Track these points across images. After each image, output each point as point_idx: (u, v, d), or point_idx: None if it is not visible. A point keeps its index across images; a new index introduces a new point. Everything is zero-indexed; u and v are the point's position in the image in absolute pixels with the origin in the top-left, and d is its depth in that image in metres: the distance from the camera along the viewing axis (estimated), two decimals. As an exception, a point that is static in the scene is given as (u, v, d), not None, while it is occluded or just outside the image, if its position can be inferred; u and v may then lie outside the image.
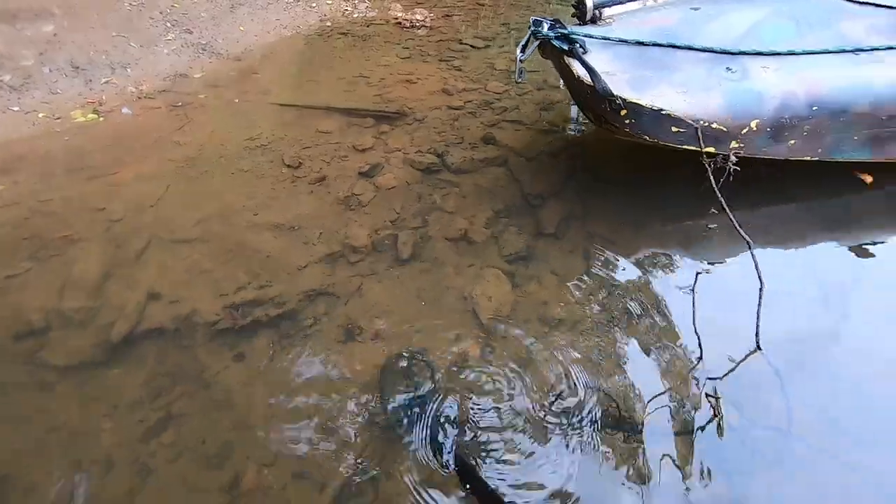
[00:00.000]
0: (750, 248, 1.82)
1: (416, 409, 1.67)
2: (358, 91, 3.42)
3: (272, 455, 1.61)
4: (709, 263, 2.13)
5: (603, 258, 2.15)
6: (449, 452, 1.54)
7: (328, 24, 4.44)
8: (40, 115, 3.12)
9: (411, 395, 1.72)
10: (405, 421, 1.65)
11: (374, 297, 2.06)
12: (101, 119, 3.15)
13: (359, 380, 1.78)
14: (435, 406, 1.67)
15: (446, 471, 1.50)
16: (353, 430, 1.65)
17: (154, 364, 1.88)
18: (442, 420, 1.64)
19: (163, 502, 1.55)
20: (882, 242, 2.19)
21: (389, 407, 1.68)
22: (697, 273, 1.96)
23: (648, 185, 2.42)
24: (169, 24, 3.98)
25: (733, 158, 1.99)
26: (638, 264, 2.14)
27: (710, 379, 1.71)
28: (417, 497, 1.48)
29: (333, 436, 1.65)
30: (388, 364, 1.81)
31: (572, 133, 2.91)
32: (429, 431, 1.61)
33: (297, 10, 4.54)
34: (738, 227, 1.85)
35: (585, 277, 2.08)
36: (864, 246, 2.17)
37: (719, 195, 1.91)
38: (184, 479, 1.59)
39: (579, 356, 1.81)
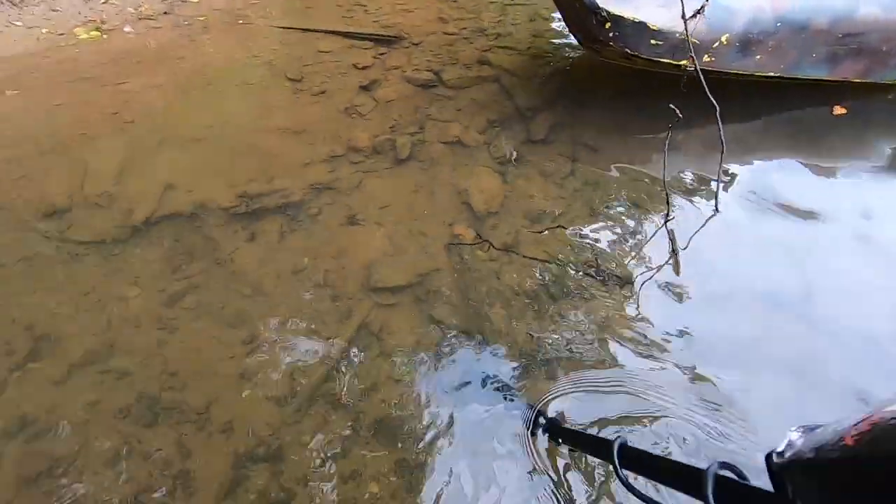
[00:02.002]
0: (716, 110, 1.99)
1: None
2: (356, 18, 3.50)
3: (284, 317, 1.80)
4: (680, 166, 2.32)
5: (588, 160, 2.32)
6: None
7: (326, -44, 4.44)
8: (43, 30, 3.18)
9: None
10: None
11: (374, 191, 2.23)
12: (105, 37, 3.22)
13: (362, 256, 1.97)
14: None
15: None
16: (358, 298, 1.85)
17: (173, 243, 2.04)
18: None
19: (189, 351, 1.74)
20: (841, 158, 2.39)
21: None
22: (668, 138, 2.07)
23: (629, 100, 2.59)
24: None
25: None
26: (618, 166, 2.32)
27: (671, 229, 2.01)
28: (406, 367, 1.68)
29: (339, 301, 1.84)
30: None
31: (562, 57, 3.04)
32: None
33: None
34: (707, 91, 2.00)
35: (571, 177, 2.26)
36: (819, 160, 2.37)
37: (702, 80, 2.02)
38: (207, 335, 1.78)
39: (561, 234, 2.01)
